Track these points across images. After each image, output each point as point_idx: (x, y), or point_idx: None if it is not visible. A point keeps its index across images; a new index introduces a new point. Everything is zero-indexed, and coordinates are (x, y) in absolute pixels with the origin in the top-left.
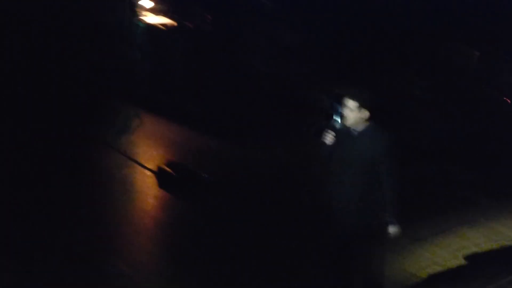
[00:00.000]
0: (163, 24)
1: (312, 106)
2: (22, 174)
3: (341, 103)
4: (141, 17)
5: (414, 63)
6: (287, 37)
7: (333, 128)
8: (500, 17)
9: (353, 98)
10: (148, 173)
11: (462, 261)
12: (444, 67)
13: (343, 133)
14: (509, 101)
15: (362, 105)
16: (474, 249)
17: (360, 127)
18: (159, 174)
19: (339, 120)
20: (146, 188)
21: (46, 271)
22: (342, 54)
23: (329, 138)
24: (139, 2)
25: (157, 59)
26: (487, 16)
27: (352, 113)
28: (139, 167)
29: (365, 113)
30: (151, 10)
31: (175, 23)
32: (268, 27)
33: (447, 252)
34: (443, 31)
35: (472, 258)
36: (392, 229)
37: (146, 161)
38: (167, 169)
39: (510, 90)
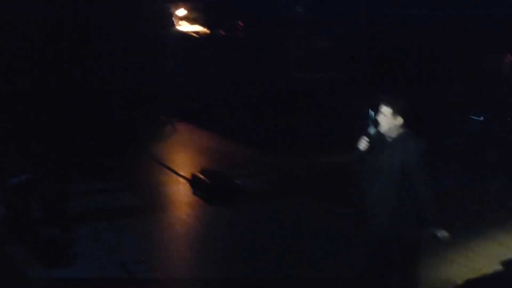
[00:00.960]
0: (196, 32)
1: (347, 112)
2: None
3: (376, 110)
4: (177, 26)
5: (449, 69)
6: (321, 45)
7: (368, 135)
8: None
9: (388, 104)
10: (182, 180)
11: (500, 268)
12: (478, 72)
13: (377, 139)
14: None
15: (397, 111)
16: (509, 254)
17: (395, 133)
18: (193, 181)
19: (373, 126)
20: (180, 195)
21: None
22: (379, 61)
23: (363, 144)
24: (176, 12)
25: (191, 66)
26: None
27: (387, 120)
28: (173, 174)
29: (400, 120)
30: (186, 19)
31: (208, 31)
32: (302, 34)
33: (484, 258)
34: (476, 38)
35: (509, 265)
36: (441, 235)
37: (180, 168)
38: (201, 176)
39: None
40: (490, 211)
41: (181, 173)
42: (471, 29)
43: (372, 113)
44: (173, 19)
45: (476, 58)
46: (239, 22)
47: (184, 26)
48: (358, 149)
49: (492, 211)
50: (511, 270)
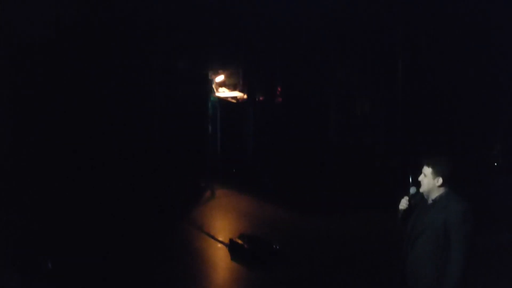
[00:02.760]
0: (235, 98)
1: (389, 175)
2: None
3: (417, 171)
4: (217, 93)
5: (489, 131)
6: (361, 108)
7: (409, 195)
8: None
9: (429, 165)
10: (220, 245)
11: None
12: None
13: (418, 200)
14: None
15: (438, 172)
16: None
17: (435, 194)
18: (231, 246)
19: (414, 187)
20: (219, 260)
21: None
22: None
23: (403, 205)
24: (215, 79)
25: (230, 131)
26: None
27: (427, 180)
28: (212, 240)
29: (440, 180)
30: (224, 85)
31: (245, 96)
32: (342, 99)
33: None
34: None
35: None
36: None
37: (218, 233)
38: (239, 241)
39: None
40: None
41: (220, 239)
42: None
43: (413, 174)
44: (213, 85)
45: None
46: (278, 88)
47: (223, 93)
48: (399, 210)
49: None
50: None
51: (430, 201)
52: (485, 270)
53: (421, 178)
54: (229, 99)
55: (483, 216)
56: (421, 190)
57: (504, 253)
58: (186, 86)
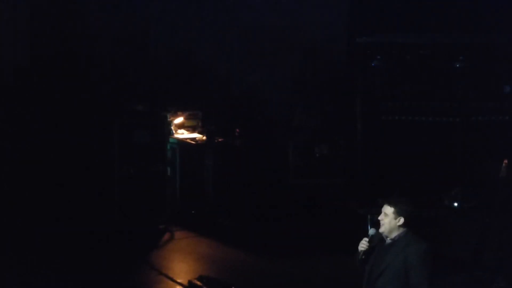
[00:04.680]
0: (193, 139)
1: (348, 216)
2: None
3: (377, 211)
4: (176, 134)
5: (449, 174)
6: (320, 151)
7: (368, 236)
8: None
9: (391, 204)
10: (179, 287)
11: None
12: (477, 177)
13: (378, 240)
14: None
15: (399, 212)
16: None
17: (394, 234)
18: None
19: (374, 228)
20: None
21: None
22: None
23: (363, 245)
24: (174, 121)
25: (189, 173)
26: None
27: (388, 220)
28: (171, 282)
29: (401, 220)
30: (184, 127)
31: (204, 138)
32: (300, 141)
33: None
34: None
35: None
36: None
37: (177, 275)
38: (198, 283)
39: None
40: None
41: (179, 281)
42: (470, 135)
43: (372, 215)
44: (172, 127)
45: (475, 163)
46: (236, 130)
47: (182, 134)
48: (359, 251)
49: None
50: None
51: (389, 241)
52: None
53: (381, 217)
54: (188, 141)
55: (441, 257)
56: (381, 230)
57: None
58: (144, 128)
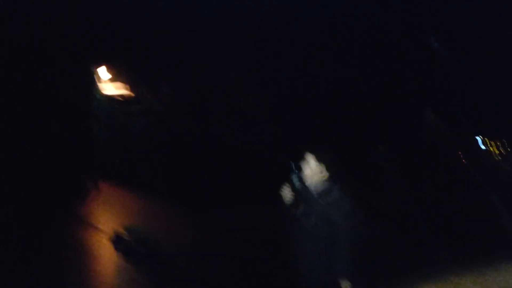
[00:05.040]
0: (121, 95)
1: (273, 168)
2: None
3: (302, 164)
4: (100, 89)
5: (372, 126)
6: (246, 102)
7: (293, 188)
8: None
9: (315, 157)
10: (104, 237)
11: None
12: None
13: (303, 192)
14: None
15: (323, 164)
16: None
17: (321, 186)
18: (115, 238)
19: (299, 180)
20: (102, 252)
21: None
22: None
23: (288, 197)
24: (100, 75)
25: (115, 129)
26: None
27: (313, 172)
28: (95, 231)
29: (325, 173)
30: (110, 81)
31: (133, 94)
32: (227, 93)
33: None
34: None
35: None
36: (344, 285)
37: (102, 225)
38: (123, 233)
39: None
40: (414, 260)
41: (105, 231)
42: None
43: (297, 167)
44: (99, 83)
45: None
46: (164, 84)
47: (110, 90)
48: (285, 203)
49: (417, 260)
50: None
51: (315, 194)
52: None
53: (307, 171)
54: (116, 97)
55: (369, 209)
56: (307, 183)
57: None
58: (72, 83)
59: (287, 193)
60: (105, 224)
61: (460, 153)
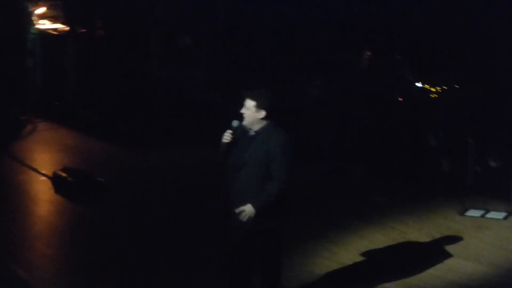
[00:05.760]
0: (56, 29)
1: (210, 109)
2: None
3: (239, 104)
4: (37, 25)
5: (308, 62)
6: (183, 41)
7: (231, 128)
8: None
9: (251, 97)
10: (43, 178)
11: (360, 259)
12: (336, 66)
13: (241, 133)
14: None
15: (260, 104)
16: (370, 246)
17: (257, 126)
18: (55, 179)
19: (237, 120)
20: (42, 194)
21: None
22: (238, 57)
23: (227, 137)
24: (35, 11)
25: (52, 64)
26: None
27: (250, 113)
28: (34, 173)
29: (263, 113)
30: (46, 17)
31: (67, 28)
32: (164, 33)
33: (346, 250)
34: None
35: (369, 256)
36: (247, 210)
37: (41, 167)
38: (63, 174)
39: (403, 89)
40: (353, 204)
41: (43, 172)
42: (330, 26)
43: (234, 108)
44: (33, 17)
45: (335, 54)
46: (99, 20)
47: (44, 25)
48: (222, 143)
49: (355, 204)
50: (371, 261)
51: (252, 133)
52: (302, 200)
53: (243, 110)
54: (50, 31)
55: (302, 148)
56: (244, 123)
57: (320, 184)
58: (3, 18)
59: (226, 134)
60: (44, 165)
61: (395, 90)
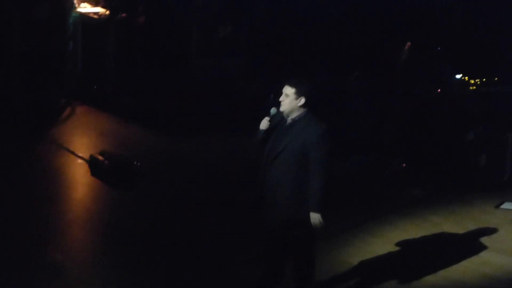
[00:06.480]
0: (96, 13)
1: (250, 97)
2: None
3: (278, 91)
4: (78, 8)
5: (347, 54)
6: (223, 29)
7: (269, 116)
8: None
9: (291, 85)
10: (80, 161)
11: (395, 249)
12: (376, 59)
13: (279, 120)
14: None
15: (299, 92)
16: (405, 237)
17: (295, 114)
18: (92, 162)
19: (275, 108)
20: (79, 177)
21: None
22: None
23: (264, 124)
24: None
25: (92, 49)
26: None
27: (289, 100)
28: (72, 156)
29: (302, 101)
30: (87, 1)
31: (108, 13)
32: (205, 20)
33: (381, 241)
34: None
35: (404, 247)
36: (313, 220)
37: (78, 150)
38: (100, 157)
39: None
40: (389, 196)
41: (80, 155)
42: (372, 19)
43: (272, 95)
44: (74, 1)
45: (376, 46)
46: (140, 6)
47: (85, 8)
48: (260, 130)
49: (392, 196)
50: (406, 252)
51: (289, 121)
52: (339, 192)
53: (282, 98)
54: (91, 15)
55: (341, 138)
56: (282, 110)
57: (357, 176)
58: (44, 1)
59: (264, 122)
60: (81, 148)
61: (434, 83)
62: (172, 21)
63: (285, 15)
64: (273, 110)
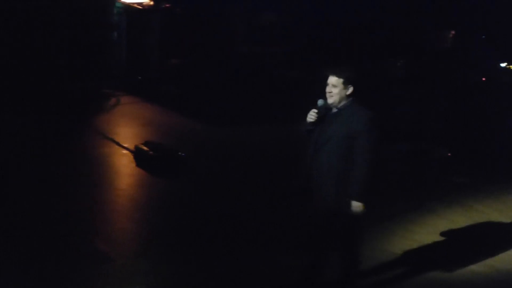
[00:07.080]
0: (140, 4)
1: (294, 86)
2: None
3: (324, 81)
4: None
5: (392, 42)
6: (267, 19)
7: (316, 106)
8: None
9: (338, 74)
10: (125, 151)
11: (440, 238)
12: (420, 47)
13: (326, 110)
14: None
15: (346, 81)
16: (450, 226)
17: (342, 103)
18: (136, 152)
19: (322, 98)
20: (124, 167)
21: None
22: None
23: (312, 115)
24: None
25: (136, 38)
26: None
27: (338, 90)
28: (117, 146)
29: (349, 90)
30: None
31: (152, 3)
32: (246, 9)
33: (425, 230)
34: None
35: (449, 236)
36: (354, 208)
37: (123, 140)
38: (144, 147)
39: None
40: (434, 185)
41: (125, 145)
42: (414, 6)
43: (319, 86)
44: None
45: (420, 34)
46: None
47: None
48: (307, 121)
49: (436, 185)
50: (450, 241)
51: (335, 110)
52: (384, 181)
53: (329, 89)
54: (135, 6)
55: (386, 126)
56: (331, 101)
57: (400, 162)
58: None
59: (311, 113)
60: (126, 138)
61: (479, 70)
62: (216, 10)
63: (328, 2)
64: (320, 102)
